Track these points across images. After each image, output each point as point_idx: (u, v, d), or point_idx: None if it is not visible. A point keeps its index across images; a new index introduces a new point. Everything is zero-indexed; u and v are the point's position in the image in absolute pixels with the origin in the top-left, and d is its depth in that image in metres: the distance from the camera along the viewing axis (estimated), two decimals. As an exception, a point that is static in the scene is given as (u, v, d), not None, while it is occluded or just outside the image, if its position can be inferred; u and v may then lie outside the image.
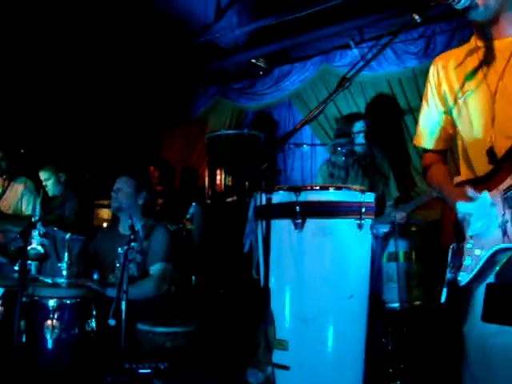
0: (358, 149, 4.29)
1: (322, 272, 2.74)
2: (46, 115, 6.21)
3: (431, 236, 3.83)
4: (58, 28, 5.30)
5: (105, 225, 6.74)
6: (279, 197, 2.77)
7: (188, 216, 5.66)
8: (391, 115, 5.21)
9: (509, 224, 1.68)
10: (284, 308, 2.77)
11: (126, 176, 3.95)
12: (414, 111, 5.00)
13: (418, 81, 5.00)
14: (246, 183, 5.10)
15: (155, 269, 3.70)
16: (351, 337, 2.79)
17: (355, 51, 5.35)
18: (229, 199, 5.21)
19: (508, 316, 1.68)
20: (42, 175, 5.37)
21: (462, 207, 1.81)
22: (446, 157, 2.20)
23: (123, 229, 3.90)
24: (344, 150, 4.28)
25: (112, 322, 2.84)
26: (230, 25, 5.35)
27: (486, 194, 1.75)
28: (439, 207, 2.10)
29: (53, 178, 5.36)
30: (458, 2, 1.79)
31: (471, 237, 1.82)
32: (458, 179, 2.00)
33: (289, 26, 5.17)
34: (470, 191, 1.78)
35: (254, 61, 5.80)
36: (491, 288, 1.75)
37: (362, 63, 1.89)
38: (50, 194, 5.41)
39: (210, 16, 5.33)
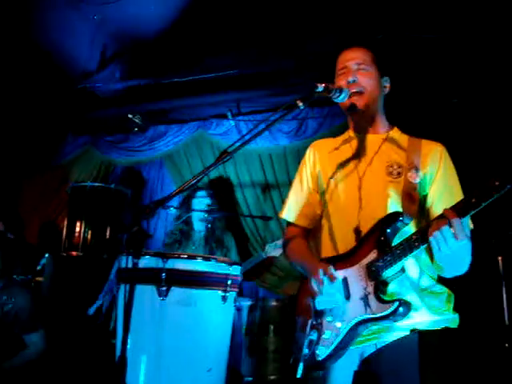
0: (197, 219, 4.40)
1: (183, 343, 2.67)
2: None
3: (290, 310, 3.91)
4: None
5: None
6: (145, 261, 2.69)
7: (39, 267, 5.28)
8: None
9: (371, 296, 1.77)
10: (139, 379, 2.64)
11: None
12: (281, 186, 5.22)
13: (288, 158, 5.25)
14: (111, 242, 4.94)
15: (31, 339, 3.49)
16: (207, 412, 2.72)
17: (231, 122, 5.50)
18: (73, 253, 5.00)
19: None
20: None
21: (313, 283, 1.88)
22: (308, 235, 2.28)
23: None
24: (184, 218, 4.41)
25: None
26: (112, 77, 5.24)
27: (339, 281, 1.85)
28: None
29: None
30: (338, 97, 1.95)
31: (331, 310, 1.88)
32: None
33: (170, 87, 5.20)
34: (322, 272, 1.86)
35: (130, 116, 5.71)
36: (358, 376, 1.81)
37: (244, 139, 1.95)
38: None
39: (93, 64, 5.19)
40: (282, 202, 5.18)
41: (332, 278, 1.83)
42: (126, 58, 5.21)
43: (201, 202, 4.39)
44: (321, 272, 1.85)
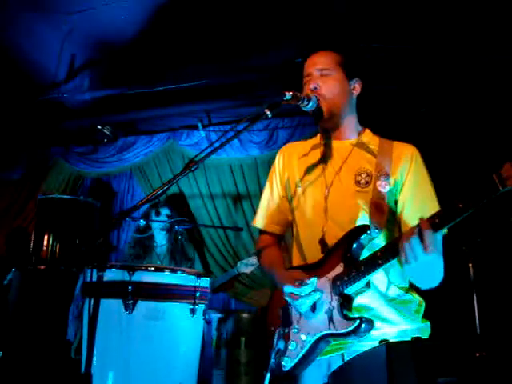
0: (159, 231, 4.37)
1: (151, 358, 2.60)
2: None
3: (262, 322, 3.86)
4: None
5: None
6: (112, 274, 2.63)
7: (5, 282, 5.14)
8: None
9: (335, 311, 1.74)
10: (105, 396, 2.56)
11: None
12: (252, 197, 5.19)
13: (259, 169, 5.23)
14: (75, 254, 4.85)
15: None
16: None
17: (202, 133, 5.47)
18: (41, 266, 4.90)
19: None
20: None
21: (288, 289, 1.82)
22: (280, 241, 2.24)
23: None
24: (148, 234, 4.38)
25: None
26: (81, 87, 5.15)
27: (314, 280, 1.79)
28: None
29: None
30: (306, 105, 1.93)
31: (297, 321, 1.84)
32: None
33: (139, 98, 5.14)
34: (300, 275, 1.82)
35: (99, 127, 5.62)
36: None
37: (212, 147, 1.89)
38: None
39: (62, 74, 5.10)
40: (254, 212, 5.17)
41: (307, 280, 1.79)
42: (94, 69, 5.14)
43: (161, 217, 4.36)
44: (299, 276, 1.81)
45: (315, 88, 1.95)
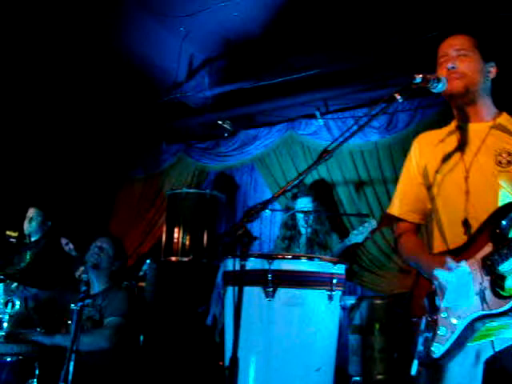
0: (301, 223, 4.42)
1: (291, 343, 2.69)
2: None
3: (396, 309, 3.85)
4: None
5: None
6: (251, 264, 2.74)
7: (141, 273, 5.51)
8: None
9: (487, 291, 1.70)
10: (249, 379, 2.68)
11: (109, 238, 3.80)
12: (375, 183, 5.14)
13: (380, 154, 5.16)
14: (215, 245, 5.09)
15: (108, 320, 3.43)
16: (317, 411, 2.72)
17: (320, 121, 5.47)
18: (185, 258, 5.16)
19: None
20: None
21: (441, 275, 1.80)
22: (418, 231, 2.21)
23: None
24: (289, 223, 4.48)
25: (62, 386, 2.65)
26: (201, 85, 5.38)
27: (464, 264, 1.77)
28: (409, 279, 2.10)
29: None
30: (436, 87, 1.90)
31: (446, 307, 1.81)
32: None
33: (257, 91, 5.26)
34: (450, 261, 1.79)
35: (220, 122, 5.82)
36: (490, 372, 1.75)
37: (346, 134, 1.93)
38: None
39: (182, 74, 5.36)
40: (377, 199, 5.10)
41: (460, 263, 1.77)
42: (213, 66, 5.33)
43: (305, 206, 4.40)
44: (450, 263, 1.78)
45: (453, 67, 1.95)
